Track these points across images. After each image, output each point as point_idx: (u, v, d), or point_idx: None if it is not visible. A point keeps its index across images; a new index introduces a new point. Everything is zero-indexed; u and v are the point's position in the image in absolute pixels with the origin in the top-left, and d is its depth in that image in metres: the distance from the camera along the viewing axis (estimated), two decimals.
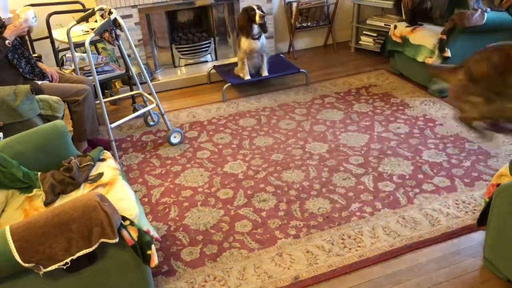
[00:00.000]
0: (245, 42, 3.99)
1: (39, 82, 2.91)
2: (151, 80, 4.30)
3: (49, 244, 1.64)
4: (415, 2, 3.95)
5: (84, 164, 2.20)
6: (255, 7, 3.89)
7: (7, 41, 2.72)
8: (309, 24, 5.07)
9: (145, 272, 1.92)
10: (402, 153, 3.09)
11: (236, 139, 3.40)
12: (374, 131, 3.38)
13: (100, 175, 2.17)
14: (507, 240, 1.95)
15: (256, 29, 3.97)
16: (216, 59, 4.79)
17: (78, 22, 3.13)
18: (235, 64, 4.29)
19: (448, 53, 3.61)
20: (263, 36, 4.07)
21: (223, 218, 2.58)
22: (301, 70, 4.20)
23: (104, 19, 2.96)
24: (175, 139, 3.37)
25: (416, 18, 4.04)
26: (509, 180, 1.96)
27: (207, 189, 2.84)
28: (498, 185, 2.00)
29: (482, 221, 2.12)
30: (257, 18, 3.88)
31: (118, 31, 3.00)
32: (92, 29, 3.34)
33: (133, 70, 3.56)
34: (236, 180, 2.91)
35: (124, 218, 1.82)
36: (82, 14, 3.19)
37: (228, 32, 4.73)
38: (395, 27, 4.12)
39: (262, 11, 3.89)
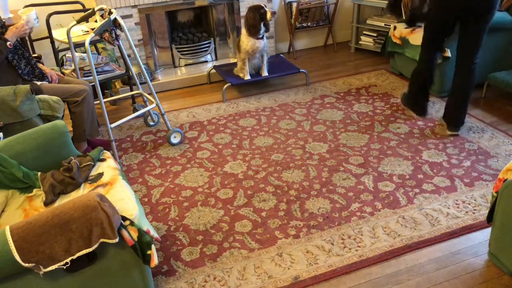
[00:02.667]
0: (248, 42, 3.97)
1: (38, 83, 2.91)
2: (151, 80, 4.30)
3: (49, 244, 1.64)
4: (414, 3, 3.94)
5: (84, 164, 2.21)
6: (263, 5, 3.90)
7: (8, 43, 2.72)
8: (309, 24, 5.07)
9: (145, 272, 1.92)
10: (402, 153, 3.09)
11: (236, 139, 3.40)
12: (374, 131, 3.38)
13: (100, 175, 2.17)
14: None
15: (262, 28, 3.97)
16: (216, 59, 4.79)
17: (78, 22, 3.13)
18: (235, 64, 4.29)
19: (448, 53, 3.61)
20: (265, 36, 4.07)
21: (223, 218, 2.58)
22: (301, 70, 4.20)
23: (104, 19, 2.96)
24: (175, 139, 3.37)
25: (415, 20, 4.03)
26: None
27: (207, 189, 2.85)
28: (505, 180, 2.00)
29: (491, 217, 2.13)
30: (268, 16, 3.88)
31: (118, 31, 3.00)
32: (92, 29, 3.34)
33: (133, 70, 3.56)
34: (236, 180, 2.91)
35: (124, 218, 1.82)
36: (82, 14, 3.19)
37: (228, 32, 4.73)
38: (395, 28, 4.12)
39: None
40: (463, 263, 2.19)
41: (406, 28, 4.01)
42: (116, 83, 4.20)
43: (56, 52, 3.66)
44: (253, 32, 3.94)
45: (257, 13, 3.88)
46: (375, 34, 4.90)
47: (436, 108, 3.66)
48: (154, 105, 3.32)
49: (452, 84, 3.23)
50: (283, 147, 3.25)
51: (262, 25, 3.94)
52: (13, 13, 3.78)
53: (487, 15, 2.93)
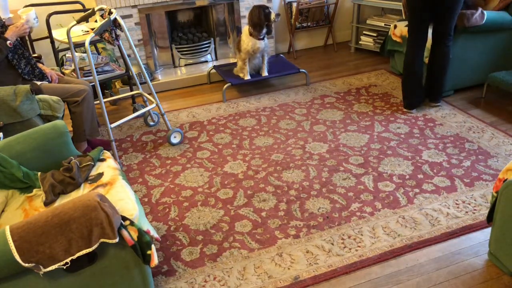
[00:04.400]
0: (249, 42, 3.96)
1: (38, 83, 2.91)
2: (151, 80, 4.30)
3: (49, 244, 1.64)
4: None
5: (84, 164, 2.21)
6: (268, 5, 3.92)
7: (8, 42, 2.72)
8: (309, 24, 5.07)
9: (145, 272, 1.92)
10: (402, 153, 3.09)
11: (236, 139, 3.40)
12: (374, 131, 3.38)
13: (100, 175, 2.17)
14: None
15: (264, 29, 3.97)
16: (216, 59, 4.79)
17: (78, 22, 3.13)
18: (235, 64, 4.29)
19: None
20: (265, 36, 4.06)
21: (223, 218, 2.58)
22: (301, 70, 4.20)
23: (104, 19, 2.96)
24: (175, 139, 3.37)
25: None
26: None
27: (207, 189, 2.85)
28: (505, 180, 2.00)
29: (491, 217, 2.13)
30: (272, 16, 3.89)
31: (118, 31, 3.00)
32: (92, 29, 3.34)
33: (133, 70, 3.56)
34: (236, 180, 2.91)
35: (124, 218, 1.82)
36: (82, 14, 3.19)
37: (228, 32, 4.73)
38: (395, 26, 4.12)
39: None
40: (463, 263, 2.19)
41: (406, 26, 4.01)
42: (116, 83, 4.20)
43: (56, 52, 3.66)
44: (256, 31, 3.93)
45: (262, 11, 3.87)
46: (375, 34, 4.90)
47: (436, 107, 3.66)
48: (154, 105, 3.32)
49: (429, 62, 3.56)
50: (283, 147, 3.25)
51: (265, 25, 3.94)
52: (13, 13, 3.79)
53: (455, 5, 3.28)
